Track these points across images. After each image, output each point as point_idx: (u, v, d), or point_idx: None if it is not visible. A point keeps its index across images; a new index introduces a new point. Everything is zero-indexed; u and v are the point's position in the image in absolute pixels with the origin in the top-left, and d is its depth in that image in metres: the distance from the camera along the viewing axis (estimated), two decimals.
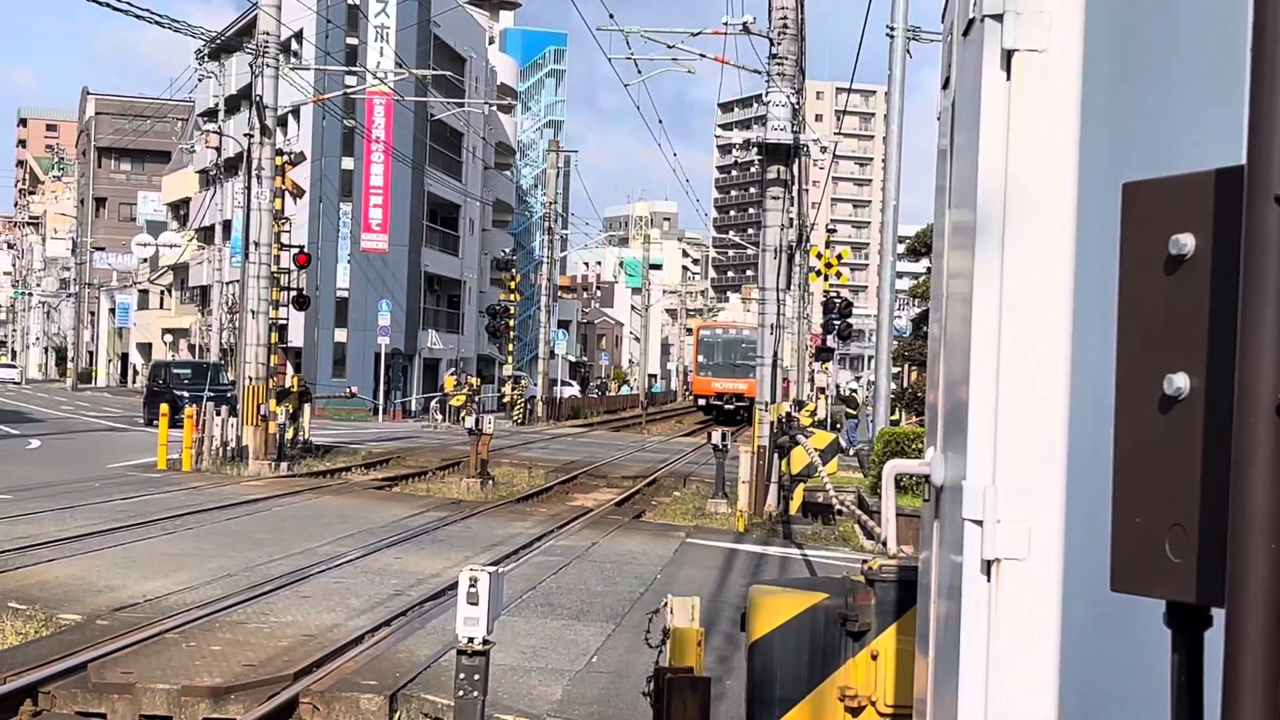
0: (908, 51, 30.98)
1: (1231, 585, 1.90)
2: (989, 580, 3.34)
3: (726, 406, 72.96)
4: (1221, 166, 2.05)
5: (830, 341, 51.65)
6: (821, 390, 59.04)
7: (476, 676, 7.30)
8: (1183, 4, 3.22)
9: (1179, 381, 2.07)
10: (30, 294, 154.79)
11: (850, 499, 20.94)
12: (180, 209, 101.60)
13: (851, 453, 39.93)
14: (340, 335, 66.68)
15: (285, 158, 33.31)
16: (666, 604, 7.45)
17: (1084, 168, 3.27)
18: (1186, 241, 2.08)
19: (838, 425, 48.26)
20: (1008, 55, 3.36)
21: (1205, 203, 2.06)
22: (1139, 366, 2.15)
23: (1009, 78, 3.36)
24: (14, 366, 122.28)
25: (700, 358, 77.68)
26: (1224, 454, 1.96)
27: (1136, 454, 2.15)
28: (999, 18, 3.37)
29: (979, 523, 3.35)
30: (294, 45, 58.13)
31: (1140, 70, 3.26)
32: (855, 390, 70.15)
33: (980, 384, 3.41)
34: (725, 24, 28.83)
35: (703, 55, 30.39)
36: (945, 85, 4.68)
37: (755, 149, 28.06)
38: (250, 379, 30.94)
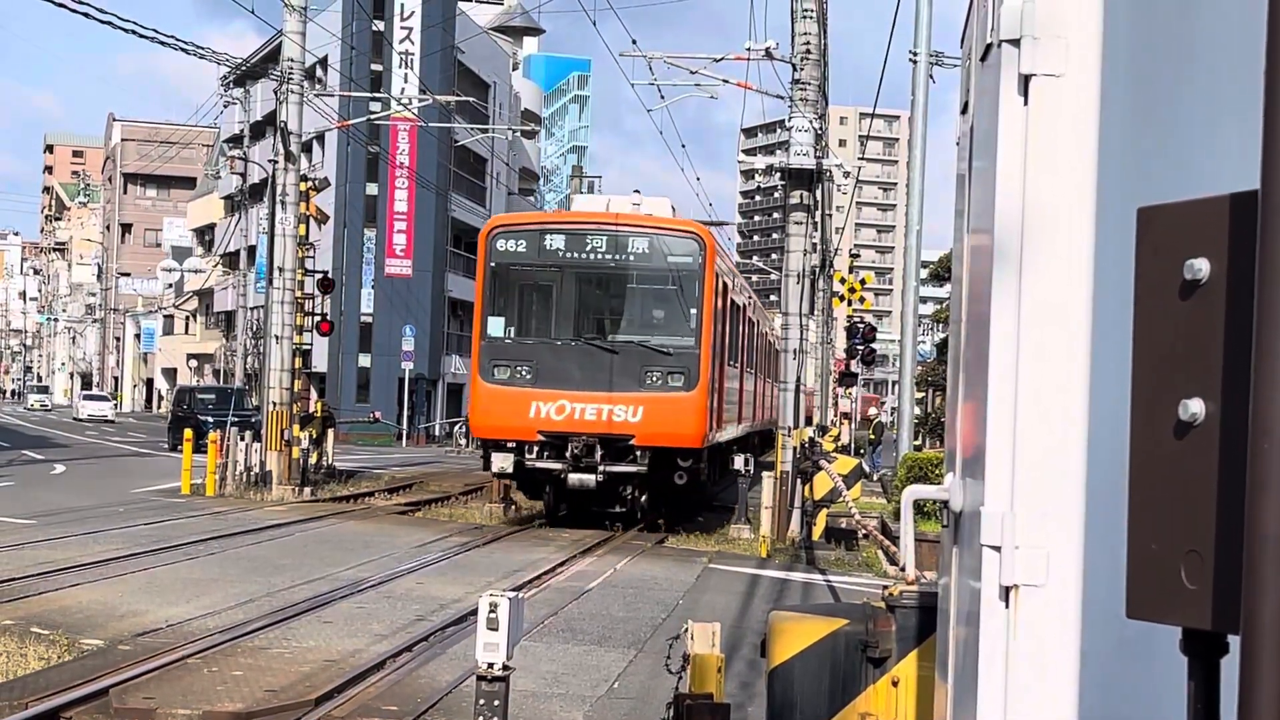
0: (930, 76, 31.03)
1: (1246, 612, 1.89)
2: (1007, 606, 3.33)
3: (578, 476, 25.16)
4: (1236, 191, 2.04)
5: (854, 366, 51.57)
6: (845, 415, 58.91)
7: (496, 702, 7.28)
8: (1199, 29, 3.22)
9: (1194, 407, 2.06)
10: (56, 319, 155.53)
11: (873, 524, 20.89)
12: (205, 234, 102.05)
13: (875, 478, 39.86)
14: (364, 360, 66.83)
15: (310, 183, 33.41)
16: (687, 630, 7.44)
17: (1101, 192, 3.27)
18: (1201, 266, 2.07)
19: (861, 451, 48.15)
20: (1025, 80, 3.36)
21: (1220, 227, 2.05)
22: (1154, 392, 2.14)
23: (1026, 102, 3.36)
24: (107, 399, 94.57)
25: (490, 326, 26.53)
26: (1239, 480, 1.95)
27: (1152, 480, 2.14)
28: (1016, 43, 3.37)
29: (997, 548, 3.33)
30: (319, 72, 58.40)
31: (1157, 94, 3.25)
32: (878, 414, 62.69)
33: (998, 409, 3.40)
34: (748, 49, 28.88)
35: (725, 80, 30.44)
36: (964, 110, 4.68)
37: (778, 174, 28.08)
38: (274, 404, 30.99)
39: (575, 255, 26.33)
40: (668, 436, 25.09)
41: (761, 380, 39.39)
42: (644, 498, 26.11)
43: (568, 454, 24.96)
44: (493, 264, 26.52)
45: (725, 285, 28.40)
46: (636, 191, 29.08)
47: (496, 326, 26.35)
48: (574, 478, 25.08)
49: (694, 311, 25.89)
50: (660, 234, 26.42)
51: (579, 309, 26.86)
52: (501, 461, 25.65)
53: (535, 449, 25.30)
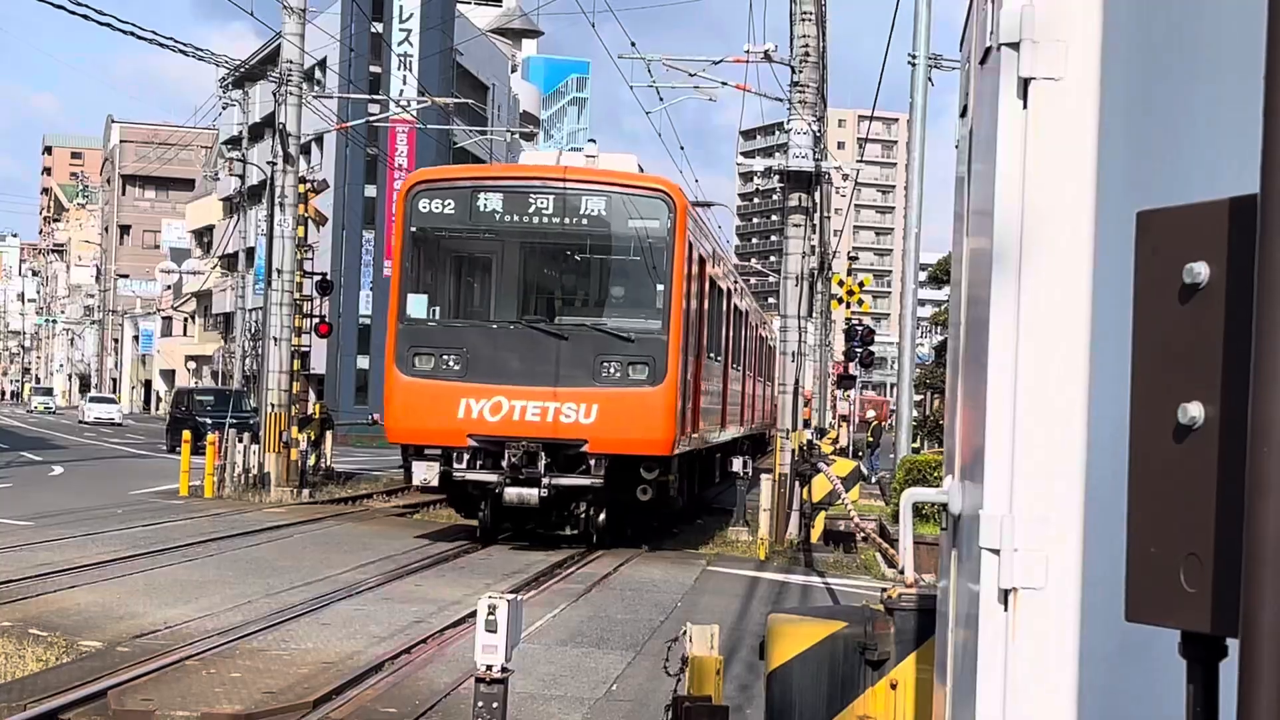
0: (929, 79, 31.04)
1: (1245, 615, 1.89)
2: (1006, 609, 3.33)
3: (516, 490, 20.88)
4: (1235, 195, 2.04)
5: (852, 369, 51.54)
6: (844, 418, 58.87)
7: (495, 705, 7.29)
8: (1199, 33, 3.22)
9: (1193, 410, 2.07)
10: (55, 321, 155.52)
11: (872, 526, 20.92)
12: (204, 236, 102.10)
13: (873, 480, 39.85)
14: (363, 362, 66.84)
15: (308, 185, 33.40)
16: (685, 632, 7.45)
17: (1101, 195, 3.27)
18: (1201, 270, 2.07)
19: (860, 454, 48.09)
20: (1024, 83, 3.36)
21: (1219, 231, 2.05)
22: (1154, 395, 2.15)
23: (1025, 106, 3.36)
24: (114, 402, 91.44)
25: (410, 305, 22.08)
26: (1238, 483, 1.95)
27: (1151, 483, 2.14)
28: (1015, 46, 3.37)
29: (996, 551, 3.34)
30: (317, 74, 58.41)
31: (1156, 98, 3.25)
32: (876, 417, 61.51)
33: (997, 412, 3.40)
34: (747, 51, 28.90)
35: (724, 83, 30.46)
36: (963, 114, 4.68)
37: (777, 176, 28.09)
38: (272, 406, 30.99)
39: (515, 218, 21.82)
40: (628, 442, 20.98)
41: (751, 379, 36.15)
42: (601, 517, 21.90)
43: (504, 463, 20.77)
44: (414, 228, 22.03)
45: (702, 259, 24.12)
46: (592, 141, 25.73)
47: (418, 306, 21.94)
48: (511, 492, 20.81)
49: (661, 288, 21.68)
50: (619, 192, 21.80)
51: (520, 284, 22.68)
52: (424, 472, 21.38)
53: (465, 457, 21.11)
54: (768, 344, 40.52)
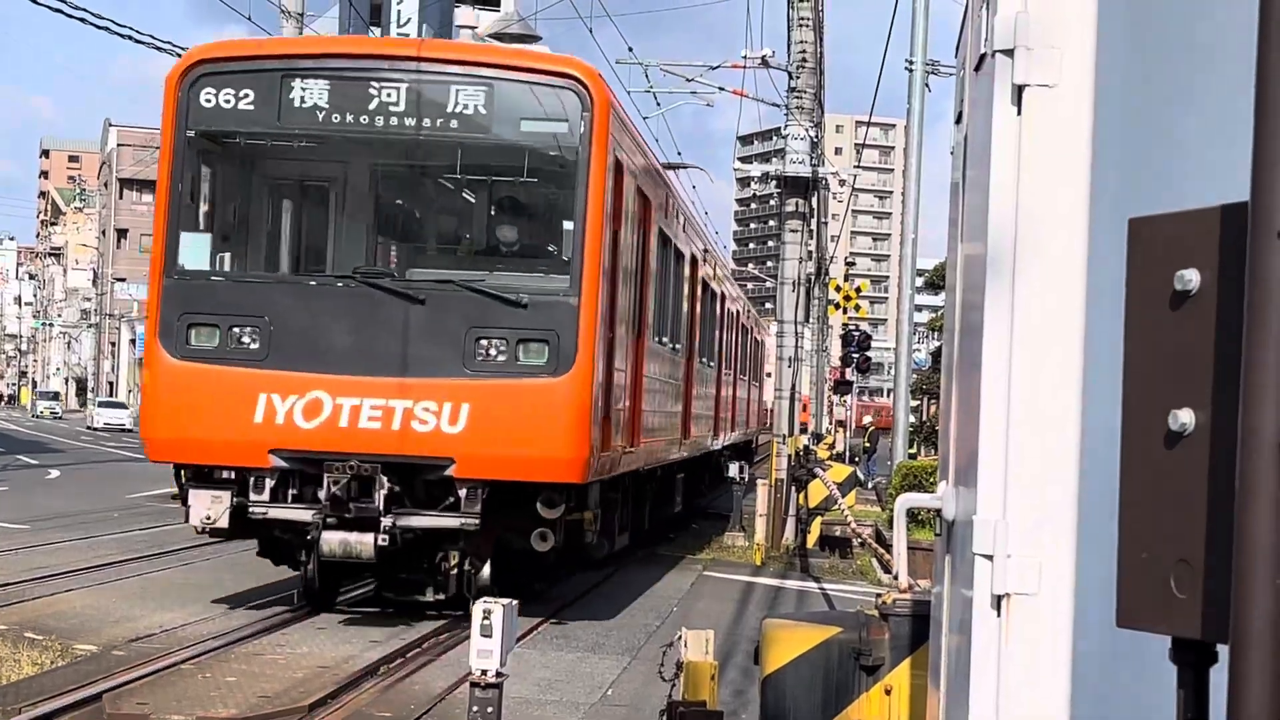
0: (926, 85, 31.03)
1: (1235, 621, 1.90)
2: (999, 615, 3.33)
3: (340, 535, 13.60)
4: (1227, 203, 2.05)
5: (849, 374, 51.54)
6: (840, 423, 58.87)
7: (490, 709, 7.29)
8: (1191, 41, 3.23)
9: (1184, 417, 2.07)
10: (51, 324, 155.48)
11: (868, 531, 20.93)
12: None
13: (870, 486, 39.85)
14: None
15: None
16: (681, 637, 7.45)
17: (1094, 202, 3.28)
18: (1192, 277, 2.08)
19: (856, 460, 48.10)
20: (1019, 90, 3.37)
21: (1210, 238, 2.06)
22: (1145, 402, 2.15)
23: (1020, 112, 3.37)
24: (124, 406, 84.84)
25: (185, 250, 14.37)
26: (1229, 490, 1.96)
27: (1142, 490, 2.15)
28: (1010, 53, 3.38)
29: (989, 557, 3.34)
30: None
31: (1150, 106, 3.26)
32: (871, 423, 60.76)
33: (991, 418, 3.41)
34: (744, 57, 28.96)
35: (721, 88, 30.54)
36: (958, 120, 4.69)
37: (774, 182, 28.11)
38: None
39: (348, 118, 14.44)
40: (518, 462, 13.87)
41: (731, 378, 30.14)
42: (484, 572, 14.76)
43: (324, 492, 13.65)
44: (192, 132, 14.74)
45: (643, 195, 16.96)
46: (475, 5, 17.37)
47: (196, 251, 14.70)
48: (332, 538, 13.78)
49: (569, 227, 14.63)
50: (505, 77, 14.46)
51: (352, 220, 15.58)
52: (207, 507, 14.20)
53: (269, 483, 14.09)
54: (753, 337, 38.01)
